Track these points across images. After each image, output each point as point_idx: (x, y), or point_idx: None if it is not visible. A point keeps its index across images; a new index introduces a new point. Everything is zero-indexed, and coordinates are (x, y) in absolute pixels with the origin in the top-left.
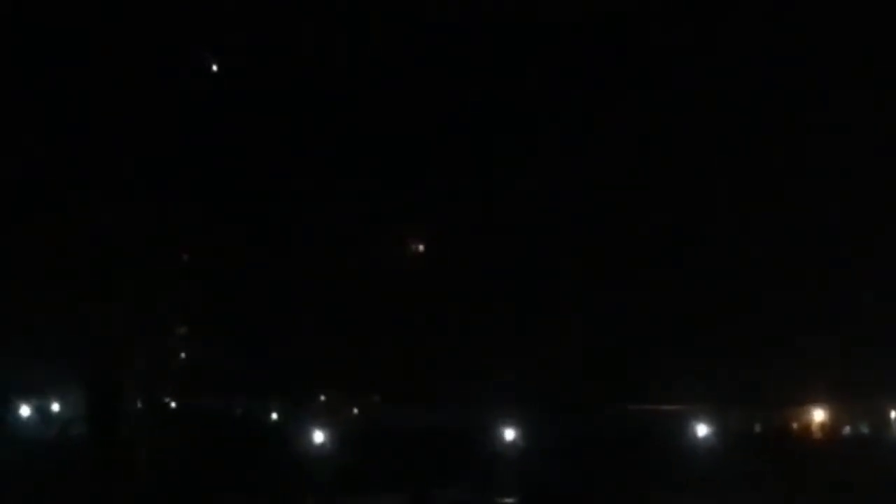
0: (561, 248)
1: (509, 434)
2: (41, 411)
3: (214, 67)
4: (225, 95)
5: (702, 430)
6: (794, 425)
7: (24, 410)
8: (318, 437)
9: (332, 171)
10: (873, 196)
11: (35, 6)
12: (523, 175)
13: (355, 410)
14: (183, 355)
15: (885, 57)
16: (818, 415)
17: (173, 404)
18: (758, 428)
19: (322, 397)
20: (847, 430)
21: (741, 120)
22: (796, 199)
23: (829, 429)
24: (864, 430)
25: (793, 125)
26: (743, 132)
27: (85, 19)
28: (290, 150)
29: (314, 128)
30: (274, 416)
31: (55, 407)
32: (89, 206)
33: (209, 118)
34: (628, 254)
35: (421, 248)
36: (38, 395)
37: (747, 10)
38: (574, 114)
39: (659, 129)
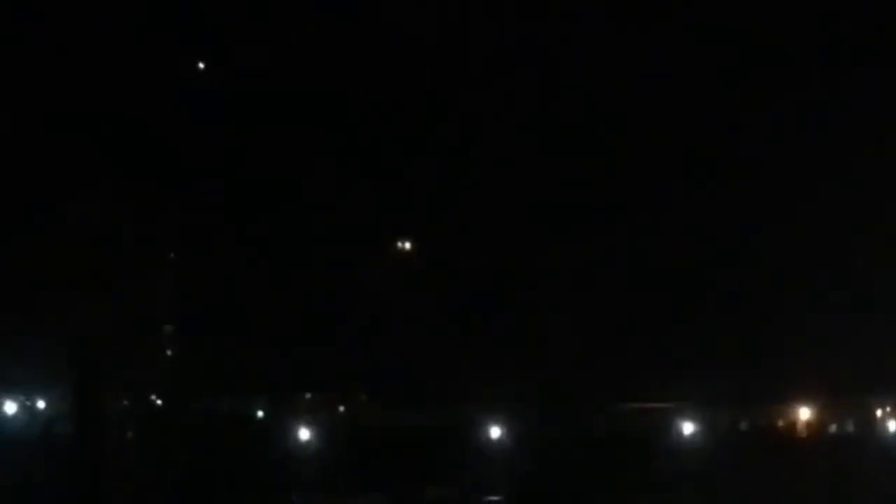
0: (550, 249)
1: (495, 432)
2: (27, 408)
3: (200, 74)
4: (217, 101)
5: (688, 427)
6: (780, 423)
7: (10, 407)
8: (304, 435)
9: (320, 173)
10: (861, 199)
11: (32, 10)
12: (511, 177)
13: (341, 409)
14: (169, 353)
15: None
16: (804, 413)
17: (159, 402)
18: (744, 426)
19: (308, 395)
20: (833, 428)
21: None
22: (783, 200)
23: (815, 427)
24: (850, 428)
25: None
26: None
27: (80, 23)
28: (279, 153)
29: (304, 133)
30: (260, 413)
31: (40, 404)
32: (78, 206)
33: (199, 122)
34: (616, 256)
35: (408, 247)
36: (24, 391)
37: None
38: (566, 115)
39: (647, 133)
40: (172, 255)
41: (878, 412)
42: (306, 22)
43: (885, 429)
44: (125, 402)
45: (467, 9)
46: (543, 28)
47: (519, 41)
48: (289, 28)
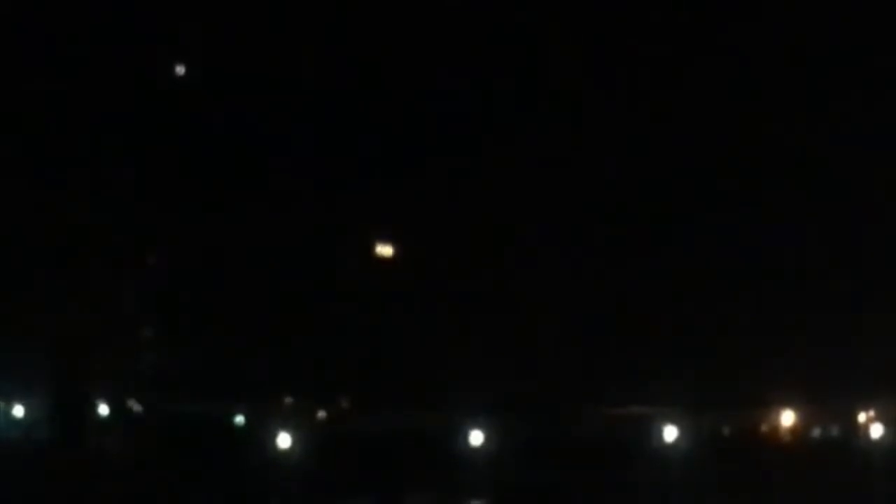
0: (532, 249)
1: (477, 437)
2: (4, 415)
3: (182, 69)
4: (196, 93)
5: (671, 433)
6: (764, 428)
7: None
8: (285, 441)
9: (300, 171)
10: (845, 202)
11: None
12: (495, 176)
13: (322, 414)
14: (147, 358)
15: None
16: (787, 417)
17: (137, 407)
18: (727, 431)
19: (288, 400)
20: (817, 432)
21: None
22: (769, 202)
23: (799, 431)
24: (834, 432)
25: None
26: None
27: (53, 14)
28: (257, 149)
29: (284, 127)
30: (239, 419)
31: (19, 410)
32: (52, 203)
33: (178, 114)
34: (597, 256)
35: (390, 249)
36: (1, 397)
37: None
38: (549, 113)
39: (630, 130)
40: (150, 256)
41: (862, 417)
42: (286, 20)
43: (868, 433)
44: (104, 407)
45: (467, 9)
46: (544, 28)
47: (519, 41)
48: (267, 26)
